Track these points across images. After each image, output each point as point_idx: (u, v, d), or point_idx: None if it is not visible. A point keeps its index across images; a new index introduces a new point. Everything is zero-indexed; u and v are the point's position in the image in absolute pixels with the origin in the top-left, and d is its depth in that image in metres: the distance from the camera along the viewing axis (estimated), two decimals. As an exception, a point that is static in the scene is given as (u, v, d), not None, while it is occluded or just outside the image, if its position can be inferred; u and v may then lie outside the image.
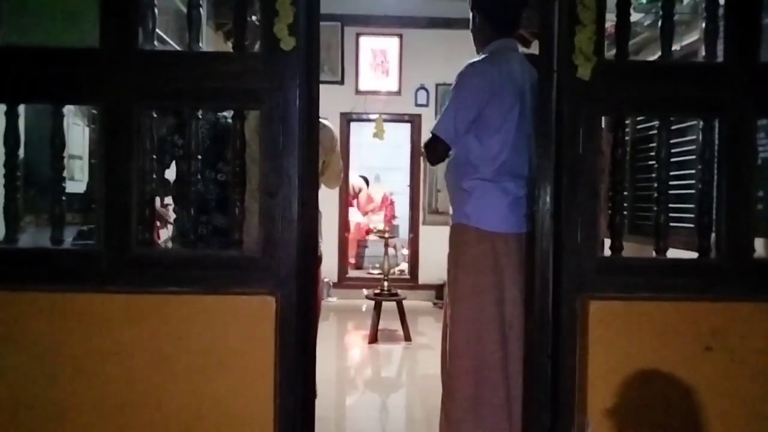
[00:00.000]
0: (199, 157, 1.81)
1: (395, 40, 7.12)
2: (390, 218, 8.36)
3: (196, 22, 1.76)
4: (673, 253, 1.87)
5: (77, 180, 3.09)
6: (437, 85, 7.14)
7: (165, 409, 1.69)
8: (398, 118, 7.34)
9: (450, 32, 6.35)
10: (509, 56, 2.35)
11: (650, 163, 3.86)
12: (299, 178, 1.73)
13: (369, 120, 7.26)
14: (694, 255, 1.86)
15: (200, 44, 1.78)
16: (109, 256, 1.72)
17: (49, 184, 1.78)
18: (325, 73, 6.47)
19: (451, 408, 2.29)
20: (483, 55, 2.37)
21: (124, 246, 1.72)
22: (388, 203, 8.05)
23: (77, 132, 3.17)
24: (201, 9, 1.78)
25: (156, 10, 1.78)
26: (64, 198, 1.79)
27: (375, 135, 7.14)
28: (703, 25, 1.84)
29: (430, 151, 2.37)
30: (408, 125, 7.40)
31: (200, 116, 1.82)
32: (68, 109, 1.82)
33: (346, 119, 7.21)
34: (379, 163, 9.54)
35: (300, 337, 1.76)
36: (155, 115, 1.82)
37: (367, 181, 8.63)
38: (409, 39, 7.06)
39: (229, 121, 2.22)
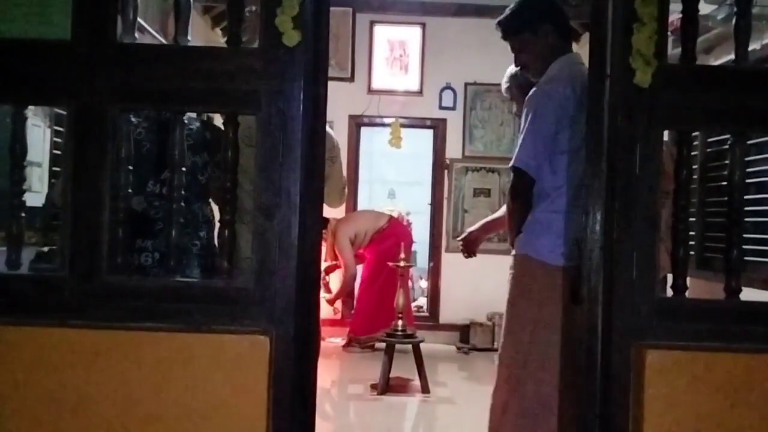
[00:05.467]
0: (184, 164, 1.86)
1: (417, 30, 7.21)
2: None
3: (184, 12, 1.82)
4: (749, 294, 1.88)
5: (35, 191, 3.15)
6: (467, 84, 7.17)
7: (135, 469, 1.72)
8: (418, 123, 7.41)
9: (483, 21, 6.40)
10: (578, 71, 2.47)
11: (723, 184, 3.87)
12: (301, 196, 1.77)
13: (383, 125, 7.35)
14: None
15: (188, 37, 1.84)
16: (75, 284, 1.76)
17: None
18: (332, 68, 6.54)
19: None
20: (551, 74, 2.50)
21: (93, 272, 1.76)
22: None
23: (37, 134, 3.24)
24: (190, -5, 1.84)
25: (138, -3, 1.84)
26: (23, 214, 1.84)
27: (390, 143, 7.22)
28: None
29: (516, 190, 2.53)
30: (430, 132, 7.46)
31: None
32: (29, 109, 1.88)
33: (356, 123, 7.30)
34: (394, 176, 9.60)
35: (297, 386, 1.79)
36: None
37: None
38: (434, 29, 7.15)
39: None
